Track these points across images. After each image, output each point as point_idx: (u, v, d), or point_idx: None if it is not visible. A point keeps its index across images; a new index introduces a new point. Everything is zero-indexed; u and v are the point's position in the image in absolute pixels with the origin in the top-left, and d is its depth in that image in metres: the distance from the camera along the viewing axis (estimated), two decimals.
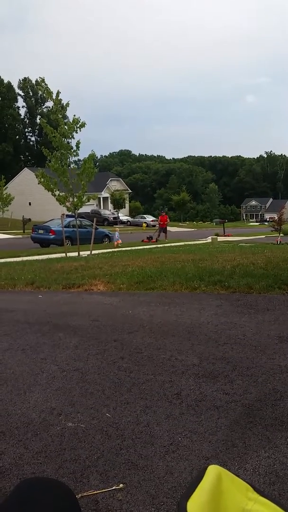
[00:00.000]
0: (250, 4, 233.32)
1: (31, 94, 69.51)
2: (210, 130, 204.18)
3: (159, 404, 2.76)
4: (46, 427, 2.53)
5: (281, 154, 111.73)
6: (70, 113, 26.79)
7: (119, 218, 41.82)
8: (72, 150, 13.67)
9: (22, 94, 69.33)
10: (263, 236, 26.60)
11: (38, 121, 64.89)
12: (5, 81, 64.11)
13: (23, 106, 69.70)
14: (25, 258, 12.44)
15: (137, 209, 58.32)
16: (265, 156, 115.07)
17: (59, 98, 13.81)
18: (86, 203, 14.58)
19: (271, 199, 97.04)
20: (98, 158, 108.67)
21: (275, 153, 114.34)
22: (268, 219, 57.40)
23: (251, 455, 2.18)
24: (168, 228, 25.37)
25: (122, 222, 42.06)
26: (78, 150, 13.75)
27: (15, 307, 5.77)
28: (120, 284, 6.85)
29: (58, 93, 13.67)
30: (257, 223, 68.63)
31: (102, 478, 2.04)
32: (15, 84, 67.42)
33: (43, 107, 69.47)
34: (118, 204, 46.05)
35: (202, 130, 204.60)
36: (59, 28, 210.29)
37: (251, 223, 71.52)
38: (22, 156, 69.44)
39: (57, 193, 13.63)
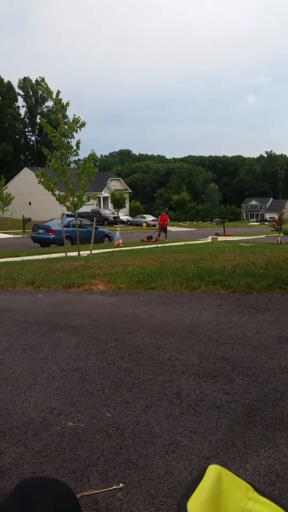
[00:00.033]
0: (250, 4, 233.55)
1: (31, 94, 69.49)
2: (210, 130, 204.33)
3: (159, 403, 2.76)
4: (46, 427, 2.53)
5: (282, 154, 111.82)
6: (70, 113, 26.87)
7: (119, 218, 41.82)
8: (72, 150, 13.67)
9: (22, 93, 69.34)
10: (263, 236, 26.59)
11: (38, 120, 64.91)
12: (5, 81, 64.15)
13: (23, 106, 69.78)
14: (25, 258, 12.44)
15: (137, 208, 58.35)
16: (265, 155, 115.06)
17: (59, 97, 13.82)
18: (86, 203, 14.58)
19: (271, 199, 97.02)
20: (98, 157, 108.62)
21: (275, 153, 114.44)
22: (268, 219, 57.32)
23: (251, 454, 2.18)
24: (168, 228, 25.36)
25: (122, 222, 42.06)
26: (78, 149, 13.75)
27: (15, 307, 5.77)
28: (120, 284, 6.84)
29: (58, 92, 13.67)
30: (257, 223, 68.57)
31: (102, 477, 2.04)
32: (15, 84, 67.50)
33: (43, 106, 69.47)
34: (118, 204, 46.04)
35: (202, 130, 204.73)
36: (59, 28, 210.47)
37: (251, 223, 71.47)
38: (22, 156, 69.43)
39: (57, 192, 13.62)
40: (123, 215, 46.99)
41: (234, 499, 0.46)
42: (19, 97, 68.40)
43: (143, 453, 2.22)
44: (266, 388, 2.93)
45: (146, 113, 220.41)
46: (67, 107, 14.51)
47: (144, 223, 41.82)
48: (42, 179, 13.35)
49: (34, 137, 72.27)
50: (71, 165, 14.76)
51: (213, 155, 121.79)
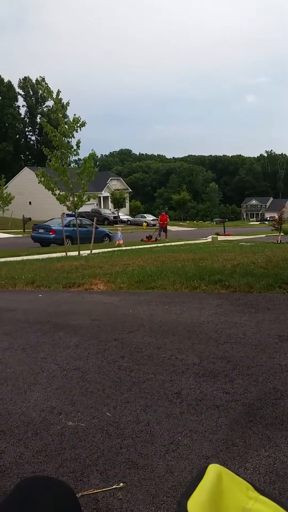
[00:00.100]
0: (250, 4, 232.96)
1: (31, 94, 69.50)
2: (210, 130, 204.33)
3: (159, 403, 2.76)
4: (46, 426, 2.53)
5: (282, 153, 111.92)
6: (70, 113, 26.78)
7: (119, 218, 41.84)
8: (72, 149, 13.68)
9: (22, 93, 69.38)
10: (264, 235, 26.58)
11: (38, 120, 64.89)
12: (5, 81, 64.15)
13: (23, 106, 69.82)
14: (25, 258, 12.44)
15: (137, 208, 58.39)
16: (266, 155, 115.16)
17: (59, 97, 13.82)
18: (86, 203, 14.58)
19: (271, 198, 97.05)
20: (98, 157, 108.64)
21: (276, 152, 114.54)
22: (268, 218, 57.32)
23: (252, 454, 2.18)
24: (169, 228, 25.38)
25: (122, 222, 42.06)
26: (78, 149, 13.77)
27: (15, 306, 5.78)
28: (121, 284, 6.85)
29: (58, 92, 13.68)
30: (258, 223, 68.50)
31: (102, 477, 2.04)
32: (15, 84, 67.53)
33: (43, 106, 69.46)
34: (118, 204, 46.04)
35: (202, 130, 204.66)
36: (59, 28, 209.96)
37: (251, 222, 71.39)
38: (22, 156, 69.47)
39: (57, 192, 13.63)
40: (123, 215, 46.99)
41: (234, 498, 0.46)
42: (19, 96, 68.54)
43: (143, 452, 2.22)
44: (266, 388, 2.93)
45: (146, 113, 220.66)
46: (67, 107, 14.52)
47: (144, 223, 41.86)
48: (43, 179, 13.35)
49: (34, 136, 72.32)
50: (71, 164, 14.79)
51: (213, 155, 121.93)
